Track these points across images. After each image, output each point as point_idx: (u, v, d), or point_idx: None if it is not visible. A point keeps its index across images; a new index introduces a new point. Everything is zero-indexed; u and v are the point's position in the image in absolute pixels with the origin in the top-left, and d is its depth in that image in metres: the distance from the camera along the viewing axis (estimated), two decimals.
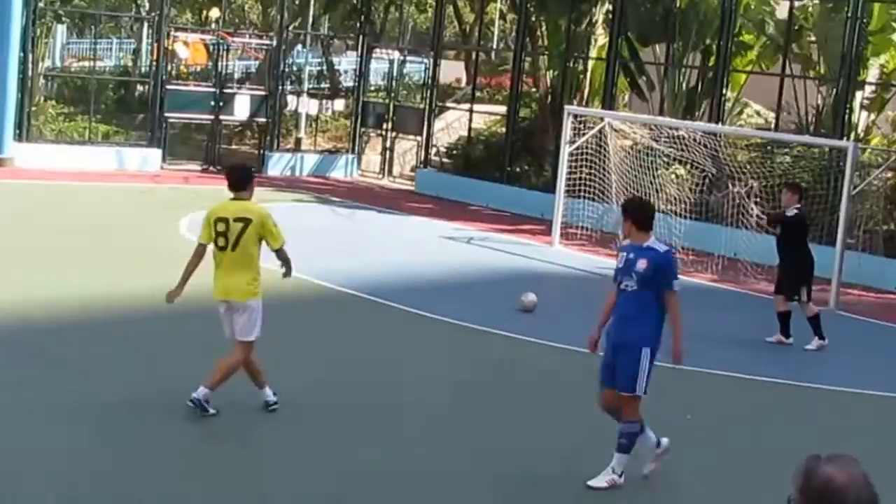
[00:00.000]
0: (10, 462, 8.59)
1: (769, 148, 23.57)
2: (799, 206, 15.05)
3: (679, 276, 9.12)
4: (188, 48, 30.44)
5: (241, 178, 9.87)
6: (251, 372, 10.00)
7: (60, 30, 37.60)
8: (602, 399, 9.23)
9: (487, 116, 31.07)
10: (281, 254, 9.92)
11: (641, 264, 8.94)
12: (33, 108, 26.46)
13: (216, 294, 9.77)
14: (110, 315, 12.88)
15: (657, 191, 21.77)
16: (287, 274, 10.14)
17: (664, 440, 9.31)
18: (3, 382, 10.51)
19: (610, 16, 26.52)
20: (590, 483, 8.96)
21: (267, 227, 9.69)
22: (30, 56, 26.10)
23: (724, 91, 24.38)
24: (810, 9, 24.70)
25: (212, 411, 9.69)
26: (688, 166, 22.72)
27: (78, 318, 13.00)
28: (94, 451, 9.10)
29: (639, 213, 9.19)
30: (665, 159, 22.50)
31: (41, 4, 26.66)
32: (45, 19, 27.79)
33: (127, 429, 9.49)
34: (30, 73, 26.22)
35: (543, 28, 29.01)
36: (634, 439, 9.06)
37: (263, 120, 29.28)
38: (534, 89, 29.51)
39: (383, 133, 31.01)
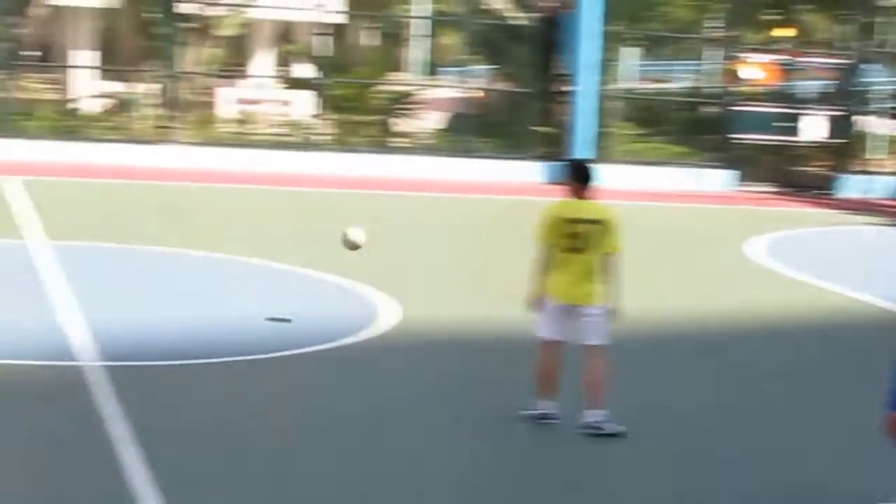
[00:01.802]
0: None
1: None
2: None
3: None
4: (756, 68, 30.27)
5: (587, 174, 8.90)
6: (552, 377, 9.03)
7: (631, 52, 38.68)
8: None
9: None
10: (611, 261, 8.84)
11: None
12: (607, 129, 27.44)
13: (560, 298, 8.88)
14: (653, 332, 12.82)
15: None
16: None
17: None
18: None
19: None
20: None
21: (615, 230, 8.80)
22: (602, 79, 27.13)
23: None
24: None
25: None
26: None
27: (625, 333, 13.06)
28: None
29: None
30: None
31: (614, 29, 27.58)
32: (620, 43, 28.71)
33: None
34: (602, 95, 27.23)
35: None
36: None
37: (836, 141, 28.49)
38: None
39: None
